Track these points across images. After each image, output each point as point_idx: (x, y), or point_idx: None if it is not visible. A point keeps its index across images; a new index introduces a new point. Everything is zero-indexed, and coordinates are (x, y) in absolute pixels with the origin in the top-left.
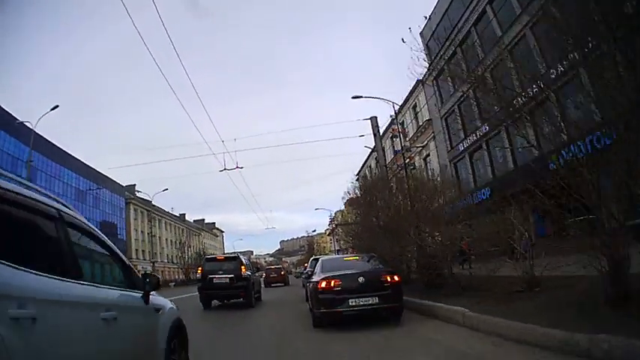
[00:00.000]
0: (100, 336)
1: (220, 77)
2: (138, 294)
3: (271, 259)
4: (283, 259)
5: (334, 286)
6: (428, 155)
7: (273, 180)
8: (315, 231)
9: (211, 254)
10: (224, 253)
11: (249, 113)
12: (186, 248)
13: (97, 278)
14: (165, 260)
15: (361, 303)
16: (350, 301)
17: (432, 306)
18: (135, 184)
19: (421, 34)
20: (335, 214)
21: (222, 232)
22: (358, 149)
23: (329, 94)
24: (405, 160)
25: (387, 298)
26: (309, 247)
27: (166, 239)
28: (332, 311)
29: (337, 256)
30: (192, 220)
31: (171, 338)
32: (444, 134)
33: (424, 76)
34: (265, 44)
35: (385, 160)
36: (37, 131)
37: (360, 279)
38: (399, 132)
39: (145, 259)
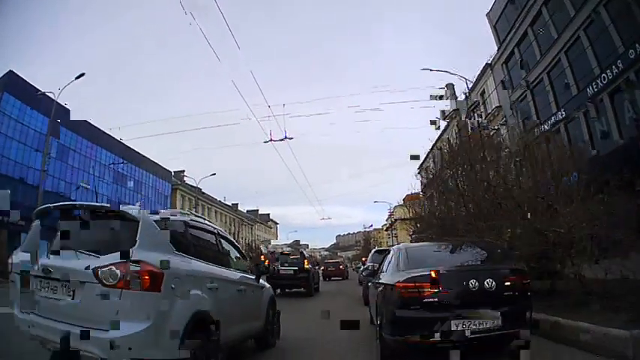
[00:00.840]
0: (239, 298)
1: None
2: (252, 276)
3: (327, 253)
4: (339, 253)
5: (429, 293)
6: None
7: (330, 171)
8: (372, 226)
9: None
10: (290, 249)
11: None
12: (235, 239)
13: (234, 266)
14: None
15: (475, 327)
16: (455, 322)
17: (571, 326)
18: (184, 170)
19: (488, 15)
20: (394, 208)
21: (277, 224)
22: (419, 141)
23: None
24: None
25: (512, 317)
26: (365, 242)
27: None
28: (419, 340)
29: (425, 243)
30: (245, 211)
31: (269, 303)
32: (516, 121)
33: (493, 59)
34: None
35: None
36: (62, 104)
37: (473, 282)
38: (471, 113)
39: None
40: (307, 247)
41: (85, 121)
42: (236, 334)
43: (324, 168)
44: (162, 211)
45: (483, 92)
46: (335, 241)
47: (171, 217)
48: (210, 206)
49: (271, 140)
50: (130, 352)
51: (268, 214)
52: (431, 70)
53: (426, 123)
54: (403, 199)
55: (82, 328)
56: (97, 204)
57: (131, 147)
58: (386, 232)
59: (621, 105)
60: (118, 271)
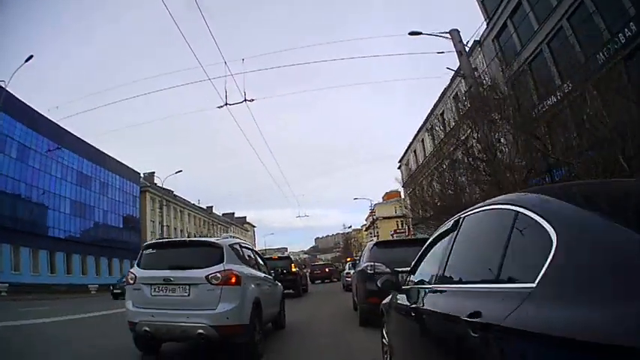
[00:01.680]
0: (269, 291)
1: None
2: (271, 277)
3: (306, 256)
4: (318, 256)
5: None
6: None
7: (308, 172)
8: (350, 227)
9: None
10: (279, 255)
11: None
12: None
13: (262, 270)
14: None
15: None
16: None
17: None
18: (154, 172)
19: None
20: (375, 206)
21: (254, 227)
22: (397, 139)
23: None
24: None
25: None
26: (345, 243)
27: (189, 233)
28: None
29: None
30: (220, 214)
31: (282, 296)
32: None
33: (482, 36)
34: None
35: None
36: (26, 102)
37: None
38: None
39: None
40: (286, 251)
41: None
42: (268, 314)
43: (302, 169)
44: (223, 236)
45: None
46: (314, 243)
47: (233, 242)
48: (182, 209)
49: (227, 104)
50: (227, 319)
51: (244, 217)
52: (421, 33)
53: (404, 120)
54: (383, 197)
55: (194, 311)
56: (194, 239)
57: (95, 146)
58: (366, 232)
59: None
60: (219, 276)
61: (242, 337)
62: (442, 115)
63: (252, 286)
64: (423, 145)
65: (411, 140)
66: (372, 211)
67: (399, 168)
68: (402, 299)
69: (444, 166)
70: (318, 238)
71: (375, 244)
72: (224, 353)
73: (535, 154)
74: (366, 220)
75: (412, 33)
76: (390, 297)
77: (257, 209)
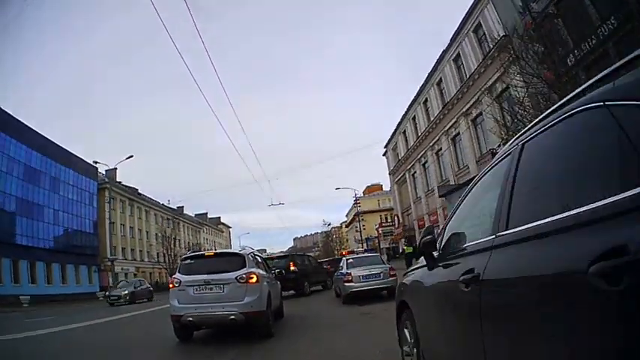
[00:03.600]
0: (274, 287)
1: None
2: (273, 276)
3: None
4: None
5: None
6: (507, 88)
7: (285, 171)
8: (330, 225)
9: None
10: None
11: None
12: (171, 244)
13: (264, 270)
14: (155, 259)
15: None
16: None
17: None
18: (116, 168)
19: None
20: (358, 197)
21: (229, 227)
22: (374, 131)
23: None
24: None
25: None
26: (325, 241)
27: (156, 235)
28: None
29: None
30: (193, 215)
31: (280, 291)
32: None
33: None
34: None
35: None
36: None
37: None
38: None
39: (126, 258)
40: (265, 252)
41: None
42: (275, 304)
43: (278, 168)
44: (241, 247)
45: (478, 27)
46: (292, 244)
47: (249, 252)
48: (148, 209)
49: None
50: (251, 307)
51: (219, 218)
52: None
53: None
54: (363, 192)
55: (227, 303)
56: (223, 251)
57: (47, 137)
58: (347, 229)
59: None
60: (244, 276)
61: (261, 320)
62: (439, 84)
63: (265, 283)
64: (415, 122)
65: (398, 122)
66: (357, 202)
67: (385, 154)
68: (441, 275)
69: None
70: (296, 238)
71: (346, 258)
72: (247, 332)
73: None
74: (346, 217)
75: None
76: (410, 279)
77: (234, 212)
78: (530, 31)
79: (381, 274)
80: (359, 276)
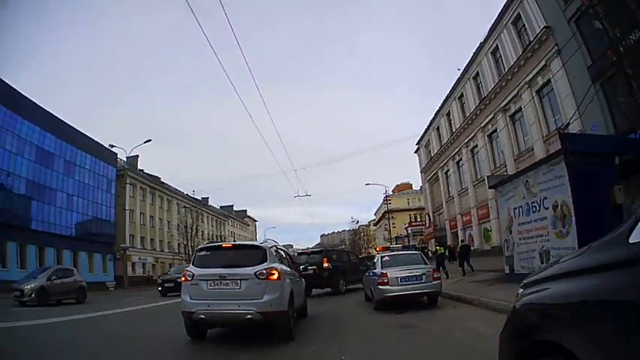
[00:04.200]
0: (297, 284)
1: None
2: (298, 273)
3: None
4: None
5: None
6: (548, 82)
7: (314, 169)
8: (357, 222)
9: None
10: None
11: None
12: (192, 234)
13: (288, 266)
14: (175, 250)
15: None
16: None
17: None
18: (137, 156)
19: None
20: (392, 192)
21: (255, 221)
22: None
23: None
24: None
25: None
26: (353, 239)
27: (177, 225)
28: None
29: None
30: (218, 207)
31: (305, 289)
32: (578, 44)
33: None
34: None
35: None
36: None
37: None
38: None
39: (145, 248)
40: (291, 247)
41: None
42: (298, 303)
43: (308, 164)
44: (264, 240)
45: (517, 18)
46: (319, 240)
47: (272, 245)
48: (170, 198)
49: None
50: (271, 306)
51: (245, 211)
52: None
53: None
54: (393, 190)
55: (244, 300)
56: (242, 242)
57: (61, 119)
58: (375, 227)
59: None
60: (265, 272)
61: (281, 320)
62: (475, 77)
63: (288, 280)
64: (449, 118)
65: (432, 118)
66: (387, 198)
67: (417, 152)
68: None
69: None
70: (323, 234)
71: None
72: (265, 332)
73: None
74: (375, 215)
75: None
76: (563, 293)
77: (261, 206)
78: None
79: (423, 277)
80: (396, 278)
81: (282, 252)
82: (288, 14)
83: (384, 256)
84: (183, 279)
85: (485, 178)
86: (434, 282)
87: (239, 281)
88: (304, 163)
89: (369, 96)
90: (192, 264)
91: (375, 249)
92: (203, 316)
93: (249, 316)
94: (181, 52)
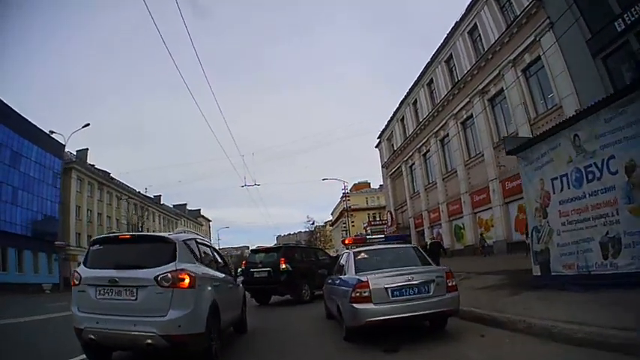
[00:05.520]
0: (229, 292)
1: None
2: (231, 277)
3: None
4: None
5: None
6: (537, 60)
7: (269, 169)
8: (314, 223)
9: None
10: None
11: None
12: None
13: (221, 270)
14: None
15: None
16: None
17: None
18: (87, 149)
19: None
20: (350, 189)
21: (209, 221)
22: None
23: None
24: None
25: None
26: (309, 241)
27: (128, 224)
28: None
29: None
30: (171, 206)
31: (243, 298)
32: (575, 16)
33: None
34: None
35: None
36: None
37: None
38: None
39: None
40: (247, 249)
41: None
42: (228, 319)
43: (262, 166)
44: (177, 230)
45: None
46: (275, 242)
47: (188, 237)
48: (120, 195)
49: None
50: (179, 327)
51: (198, 210)
52: None
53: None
54: (350, 189)
55: (142, 317)
56: (144, 233)
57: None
58: (331, 227)
59: None
60: (170, 276)
61: (197, 346)
62: (448, 61)
63: (209, 288)
64: (416, 107)
65: (395, 109)
66: (346, 196)
67: (378, 146)
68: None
69: None
70: (279, 236)
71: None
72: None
73: None
74: (332, 215)
75: None
76: None
77: (216, 207)
78: None
79: (431, 286)
80: (385, 289)
81: (204, 247)
82: (241, 8)
83: (360, 253)
84: (72, 283)
85: (504, 140)
86: (448, 295)
87: (135, 289)
88: (257, 159)
89: (324, 95)
90: (83, 263)
91: (343, 242)
92: (92, 336)
93: (149, 341)
94: (136, 50)
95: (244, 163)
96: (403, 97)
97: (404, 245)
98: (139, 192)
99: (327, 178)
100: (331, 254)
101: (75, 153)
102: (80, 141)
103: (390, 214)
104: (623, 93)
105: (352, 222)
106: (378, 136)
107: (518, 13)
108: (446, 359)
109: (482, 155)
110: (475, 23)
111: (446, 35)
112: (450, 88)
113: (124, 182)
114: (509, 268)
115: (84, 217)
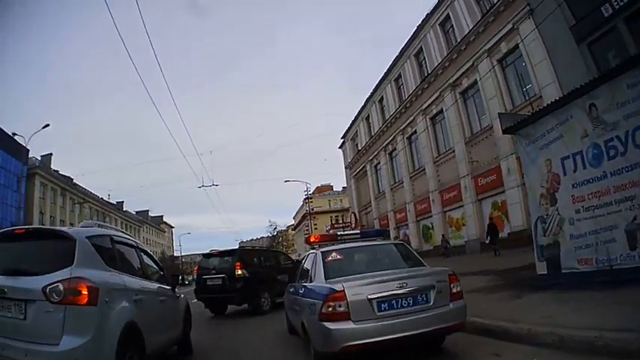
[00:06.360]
0: (161, 307)
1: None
2: (169, 287)
3: None
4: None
5: None
6: (514, 48)
7: (230, 174)
8: (276, 228)
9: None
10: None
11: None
12: None
13: (152, 278)
14: None
15: None
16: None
17: None
18: (51, 154)
19: None
20: (313, 191)
21: (172, 227)
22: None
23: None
24: None
25: None
26: (271, 246)
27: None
28: None
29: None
30: (134, 212)
31: (185, 312)
32: (558, 1)
33: None
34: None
35: None
36: None
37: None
38: None
39: None
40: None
41: None
42: (161, 341)
43: (223, 172)
44: (84, 223)
45: None
46: (238, 247)
47: (99, 233)
48: (82, 201)
49: None
50: None
51: (161, 216)
52: None
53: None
54: (313, 192)
55: (32, 345)
56: (36, 227)
57: None
58: (294, 231)
59: None
60: (62, 288)
61: None
62: (417, 55)
63: (124, 304)
64: (382, 105)
65: (360, 107)
66: (309, 199)
67: (341, 146)
68: None
69: None
70: (242, 241)
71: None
72: None
73: None
74: (294, 219)
75: None
76: None
77: (180, 215)
78: None
79: (430, 294)
80: (370, 301)
81: (125, 248)
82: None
83: (331, 253)
84: None
85: (498, 117)
86: (453, 305)
87: (22, 304)
88: (217, 160)
89: (288, 95)
90: None
91: (307, 240)
92: None
93: None
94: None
95: (202, 163)
96: (369, 94)
97: (388, 242)
98: (102, 198)
99: (289, 180)
100: (294, 258)
101: (40, 158)
102: (41, 143)
103: (354, 215)
104: None
105: (315, 225)
106: (342, 136)
107: (495, 1)
108: None
109: (453, 151)
110: (448, 14)
111: (416, 28)
112: (419, 83)
113: (87, 188)
114: (489, 268)
115: (47, 224)
